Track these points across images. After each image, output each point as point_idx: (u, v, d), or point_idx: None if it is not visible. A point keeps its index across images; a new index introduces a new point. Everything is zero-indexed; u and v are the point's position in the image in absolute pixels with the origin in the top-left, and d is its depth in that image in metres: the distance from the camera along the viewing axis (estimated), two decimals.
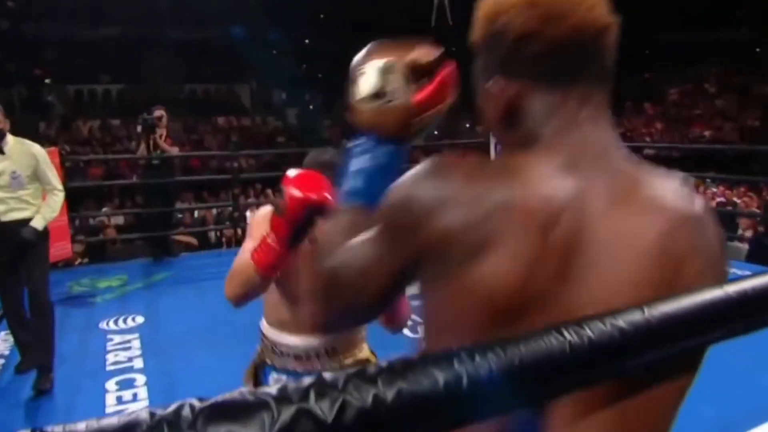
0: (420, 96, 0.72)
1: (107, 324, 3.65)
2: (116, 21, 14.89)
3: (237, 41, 15.11)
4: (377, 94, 0.72)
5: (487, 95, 0.66)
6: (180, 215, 7.03)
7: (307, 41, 17.49)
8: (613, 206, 0.57)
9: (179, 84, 15.99)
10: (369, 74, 0.73)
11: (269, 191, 9.22)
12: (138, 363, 3.08)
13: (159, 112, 5.10)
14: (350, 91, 0.75)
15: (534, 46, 0.61)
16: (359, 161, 0.73)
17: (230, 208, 6.38)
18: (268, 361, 1.41)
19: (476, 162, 0.62)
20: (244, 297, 1.28)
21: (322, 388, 0.32)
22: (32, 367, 2.83)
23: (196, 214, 7.86)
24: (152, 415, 0.30)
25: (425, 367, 0.34)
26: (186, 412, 0.30)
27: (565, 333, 0.37)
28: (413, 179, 0.61)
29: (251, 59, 15.35)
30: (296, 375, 1.35)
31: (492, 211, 0.55)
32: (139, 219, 6.47)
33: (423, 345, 0.65)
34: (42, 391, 2.74)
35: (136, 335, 3.46)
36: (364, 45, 0.78)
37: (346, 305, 0.66)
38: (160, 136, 5.07)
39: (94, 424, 0.29)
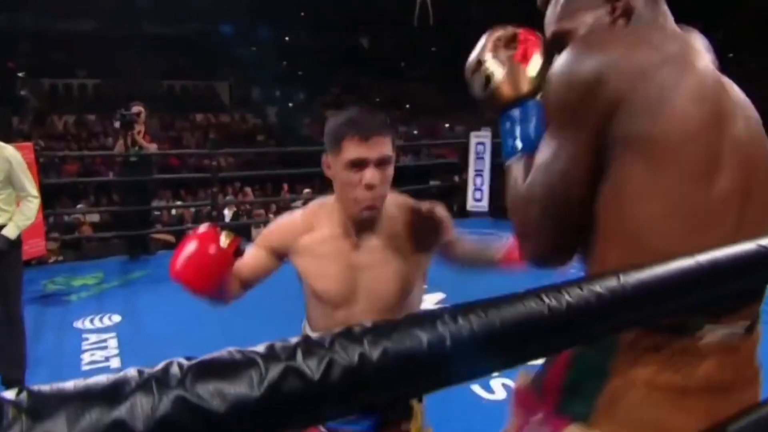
0: (518, 55, 0.83)
1: (83, 323, 3.57)
2: (93, 14, 14.62)
3: (216, 37, 14.97)
4: (485, 85, 0.85)
5: None
6: (157, 213, 6.93)
7: (287, 38, 17.40)
8: (729, 87, 0.75)
9: (157, 80, 15.76)
10: (469, 83, 0.88)
11: (248, 189, 9.17)
12: (115, 362, 3.03)
13: (137, 108, 5.01)
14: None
15: None
16: (505, 127, 0.85)
17: (208, 207, 6.31)
18: None
19: (616, 33, 0.72)
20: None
21: (309, 346, 0.32)
22: (3, 380, 2.76)
23: (173, 212, 7.77)
24: (140, 373, 0.30)
25: (409, 327, 0.35)
26: (174, 369, 0.30)
27: (545, 297, 0.39)
28: (566, 63, 0.68)
29: (230, 55, 15.22)
30: None
31: (651, 73, 0.65)
32: (115, 217, 6.36)
33: (599, 251, 0.68)
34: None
35: (113, 334, 3.39)
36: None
37: (553, 220, 0.69)
38: (139, 133, 4.98)
39: (81, 382, 0.29)
